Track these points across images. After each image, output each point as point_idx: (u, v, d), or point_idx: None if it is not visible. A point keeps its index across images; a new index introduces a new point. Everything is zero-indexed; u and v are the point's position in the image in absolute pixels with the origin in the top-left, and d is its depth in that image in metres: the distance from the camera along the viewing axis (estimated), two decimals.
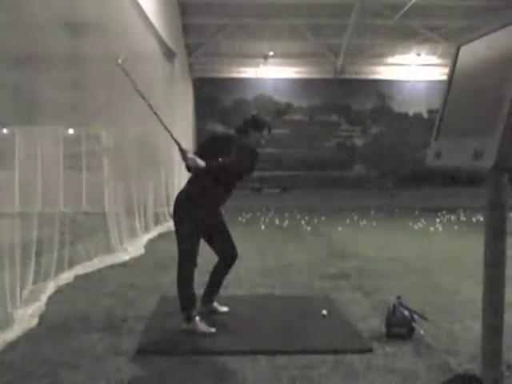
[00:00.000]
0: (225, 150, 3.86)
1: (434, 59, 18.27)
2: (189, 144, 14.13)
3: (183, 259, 3.91)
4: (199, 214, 3.90)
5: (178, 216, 3.95)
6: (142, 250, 7.44)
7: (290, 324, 4.12)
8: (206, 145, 4.16)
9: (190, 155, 3.73)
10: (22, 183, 5.02)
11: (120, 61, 3.76)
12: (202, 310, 4.11)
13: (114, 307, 4.58)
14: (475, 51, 2.72)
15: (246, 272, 5.86)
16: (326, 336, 3.82)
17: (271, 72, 18.80)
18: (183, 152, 3.73)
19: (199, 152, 3.93)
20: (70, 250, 5.70)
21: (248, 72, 18.86)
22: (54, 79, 5.15)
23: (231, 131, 4.22)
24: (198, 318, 3.91)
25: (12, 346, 3.60)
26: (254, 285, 5.40)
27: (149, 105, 3.78)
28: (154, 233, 8.89)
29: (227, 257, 4.21)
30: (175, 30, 13.44)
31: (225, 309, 4.38)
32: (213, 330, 3.88)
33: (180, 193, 4.06)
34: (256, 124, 4.05)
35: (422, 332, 3.76)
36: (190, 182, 4.06)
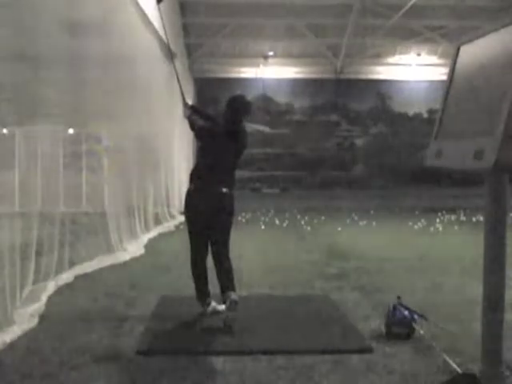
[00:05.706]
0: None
1: (434, 59, 18.25)
2: (189, 144, 14.14)
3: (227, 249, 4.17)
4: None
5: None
6: (142, 250, 7.44)
7: (290, 324, 4.12)
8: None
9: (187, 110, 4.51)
10: (22, 183, 5.02)
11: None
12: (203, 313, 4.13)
13: (114, 307, 4.58)
14: (475, 51, 2.72)
15: (246, 272, 5.85)
16: (326, 336, 3.82)
17: (271, 72, 18.78)
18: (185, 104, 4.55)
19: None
20: (70, 250, 5.70)
21: (248, 72, 18.83)
22: (54, 79, 5.15)
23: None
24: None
25: (12, 345, 3.59)
26: (254, 285, 5.39)
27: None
28: (154, 233, 8.88)
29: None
30: (175, 29, 13.43)
31: (223, 307, 4.38)
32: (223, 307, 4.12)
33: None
34: (237, 108, 4.42)
35: (421, 332, 3.75)
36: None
